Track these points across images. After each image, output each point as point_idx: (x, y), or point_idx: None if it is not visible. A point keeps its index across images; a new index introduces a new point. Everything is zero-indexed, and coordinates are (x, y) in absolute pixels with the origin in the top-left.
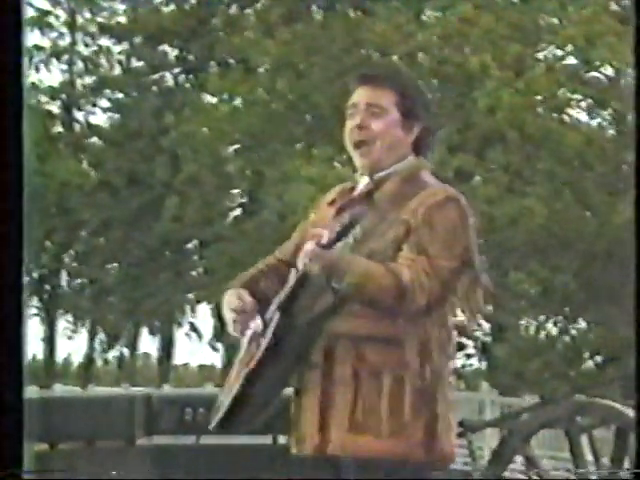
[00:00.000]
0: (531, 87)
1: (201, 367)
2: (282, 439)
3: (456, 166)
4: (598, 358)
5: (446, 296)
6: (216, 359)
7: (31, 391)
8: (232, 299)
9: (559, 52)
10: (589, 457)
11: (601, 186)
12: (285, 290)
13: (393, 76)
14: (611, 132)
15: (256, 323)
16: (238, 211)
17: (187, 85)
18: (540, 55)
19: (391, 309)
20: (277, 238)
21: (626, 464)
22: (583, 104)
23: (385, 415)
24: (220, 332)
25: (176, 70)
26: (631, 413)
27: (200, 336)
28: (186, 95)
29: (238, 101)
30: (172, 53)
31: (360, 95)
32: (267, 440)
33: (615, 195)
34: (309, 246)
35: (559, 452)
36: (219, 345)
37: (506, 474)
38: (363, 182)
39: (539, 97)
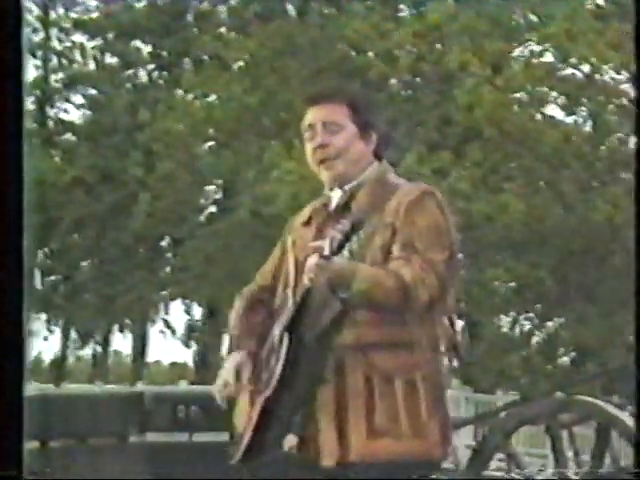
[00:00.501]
0: (510, 84)
1: (173, 365)
2: None
3: (435, 164)
4: (573, 354)
5: (445, 289)
6: (188, 357)
7: None
8: (231, 373)
9: (537, 49)
10: (570, 454)
11: (577, 183)
12: (288, 311)
13: (341, 91)
14: (587, 129)
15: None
16: (213, 208)
17: (161, 81)
18: (517, 51)
19: (396, 311)
20: (251, 235)
21: (606, 461)
22: (559, 101)
23: (402, 418)
24: (193, 330)
25: (150, 66)
26: (611, 409)
27: (174, 333)
28: (160, 91)
29: (213, 97)
30: (145, 49)
31: (314, 115)
32: None
33: (591, 192)
34: (312, 260)
35: (536, 449)
36: (192, 343)
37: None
38: (336, 195)
39: (518, 94)
